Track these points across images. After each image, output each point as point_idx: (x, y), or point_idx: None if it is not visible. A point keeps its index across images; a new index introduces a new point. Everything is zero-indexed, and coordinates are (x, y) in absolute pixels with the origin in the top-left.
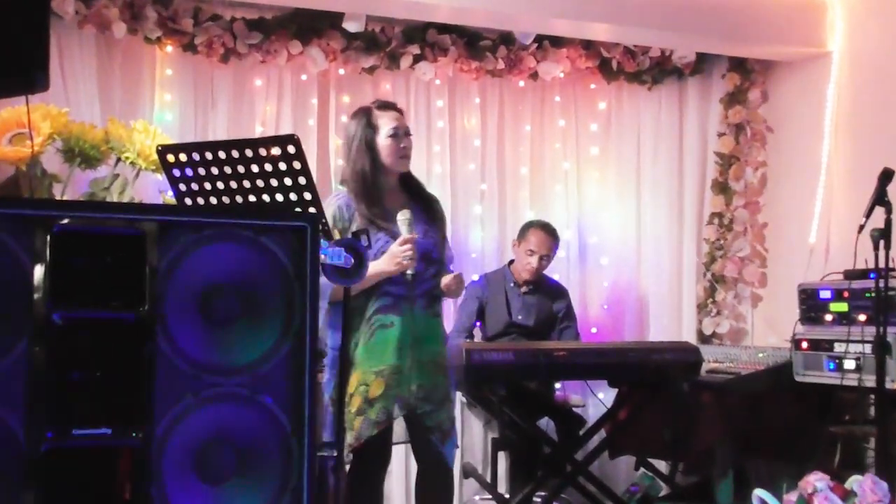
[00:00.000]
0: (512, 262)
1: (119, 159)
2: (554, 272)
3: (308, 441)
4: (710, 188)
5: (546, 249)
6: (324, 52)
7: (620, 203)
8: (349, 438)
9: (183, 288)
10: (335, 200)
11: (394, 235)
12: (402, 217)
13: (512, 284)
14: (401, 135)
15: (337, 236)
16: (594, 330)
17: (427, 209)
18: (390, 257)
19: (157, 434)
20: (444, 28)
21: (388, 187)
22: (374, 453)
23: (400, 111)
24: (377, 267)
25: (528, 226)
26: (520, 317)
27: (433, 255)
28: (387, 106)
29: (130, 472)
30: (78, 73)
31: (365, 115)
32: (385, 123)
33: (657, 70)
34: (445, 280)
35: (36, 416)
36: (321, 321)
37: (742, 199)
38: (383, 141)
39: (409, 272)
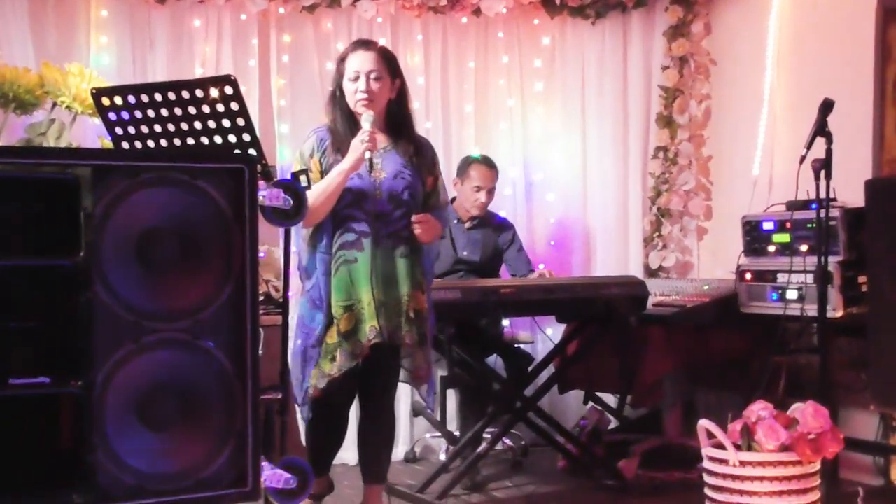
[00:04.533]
0: (454, 199)
1: (55, 104)
2: (500, 209)
3: (251, 384)
4: (655, 122)
5: (491, 183)
6: None
7: (565, 139)
8: (332, 369)
9: (120, 234)
10: (314, 133)
11: (360, 176)
12: (367, 116)
13: (456, 221)
14: (362, 77)
15: (314, 166)
16: (542, 266)
17: (405, 150)
18: (351, 152)
19: (97, 382)
20: None
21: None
22: (345, 388)
23: (371, 48)
24: (341, 165)
25: (468, 162)
26: (465, 252)
27: (402, 197)
28: (356, 45)
29: (72, 420)
30: (9, 15)
31: (339, 59)
32: (349, 66)
33: (600, 4)
34: (414, 220)
35: None
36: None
37: (686, 133)
38: (347, 86)
39: (368, 154)
